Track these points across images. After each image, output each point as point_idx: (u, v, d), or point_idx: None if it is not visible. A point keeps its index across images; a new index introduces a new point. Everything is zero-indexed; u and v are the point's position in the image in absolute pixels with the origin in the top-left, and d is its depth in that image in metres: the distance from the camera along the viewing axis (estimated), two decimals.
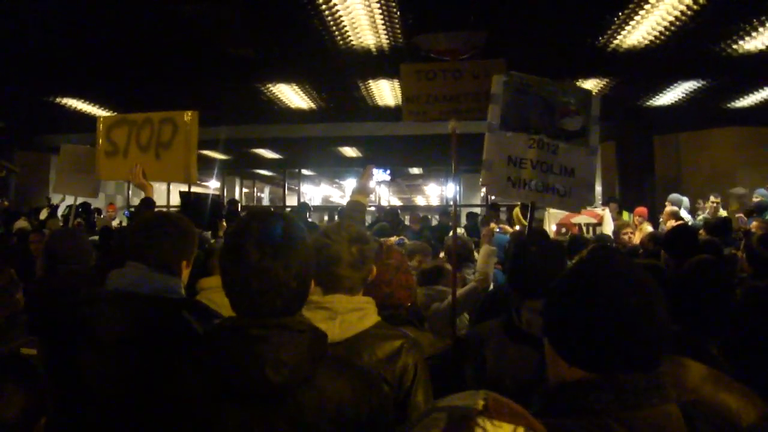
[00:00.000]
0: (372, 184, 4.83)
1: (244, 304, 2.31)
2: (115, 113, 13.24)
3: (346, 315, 3.19)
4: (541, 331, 2.09)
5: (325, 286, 3.26)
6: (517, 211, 12.64)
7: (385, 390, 2.48)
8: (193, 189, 20.14)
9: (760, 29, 10.85)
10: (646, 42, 11.40)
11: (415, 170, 33.13)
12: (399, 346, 3.18)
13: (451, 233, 10.43)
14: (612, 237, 11.06)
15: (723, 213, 13.85)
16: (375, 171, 4.99)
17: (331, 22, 10.30)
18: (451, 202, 23.84)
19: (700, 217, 13.73)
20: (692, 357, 2.87)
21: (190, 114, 6.15)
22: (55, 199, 16.91)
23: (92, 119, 7.08)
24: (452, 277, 5.79)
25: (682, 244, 6.21)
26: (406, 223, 16.97)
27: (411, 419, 3.08)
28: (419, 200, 44.14)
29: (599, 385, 1.83)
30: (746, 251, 6.29)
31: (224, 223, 10.56)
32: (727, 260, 7.07)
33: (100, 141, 6.39)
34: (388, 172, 25.45)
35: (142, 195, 5.86)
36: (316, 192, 39.38)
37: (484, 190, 27.45)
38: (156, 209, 5.54)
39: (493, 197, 21.97)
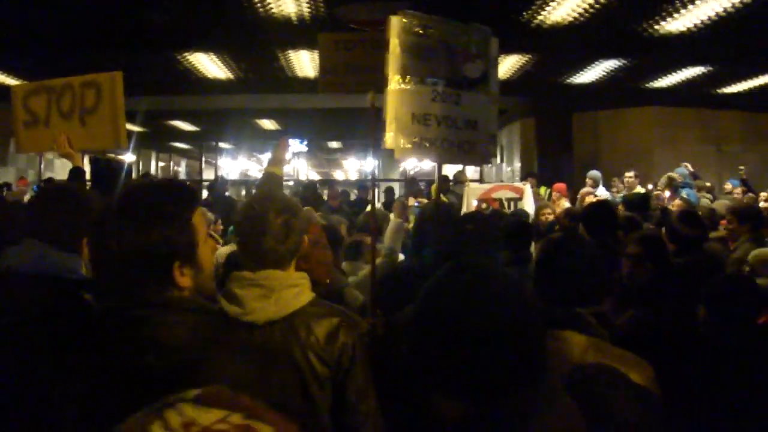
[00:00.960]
0: (288, 155, 4.65)
1: (117, 282, 2.13)
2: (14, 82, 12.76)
3: (282, 292, 3.02)
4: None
5: (253, 260, 3.09)
6: (434, 187, 12.61)
7: (289, 377, 2.29)
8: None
9: (682, 11, 10.96)
10: (570, 19, 11.42)
11: (335, 144, 32.99)
12: (337, 324, 3.07)
13: (369, 208, 10.36)
14: (531, 213, 11.10)
15: (640, 190, 14.03)
16: (291, 142, 4.82)
17: None
18: (370, 177, 23.81)
19: (621, 194, 13.88)
20: (571, 328, 2.95)
21: (113, 75, 5.86)
22: None
23: (5, 89, 6.71)
24: (372, 251, 5.67)
25: (600, 219, 6.21)
26: (325, 197, 16.77)
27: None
28: (338, 174, 44.07)
29: (482, 418, 1.65)
30: (666, 229, 6.31)
31: None
32: None
33: (17, 112, 6.02)
34: (305, 143, 25.32)
35: (67, 167, 5.58)
36: (234, 166, 38.92)
37: (403, 164, 27.50)
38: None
39: (412, 170, 22.01)
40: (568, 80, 16.77)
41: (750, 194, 13.74)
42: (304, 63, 15.17)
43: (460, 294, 1.68)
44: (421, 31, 5.15)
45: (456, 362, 1.63)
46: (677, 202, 11.50)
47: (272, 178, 4.41)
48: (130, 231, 2.06)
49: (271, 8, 10.92)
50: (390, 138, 5.03)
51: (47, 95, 5.90)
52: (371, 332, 4.04)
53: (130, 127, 22.99)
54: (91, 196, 3.45)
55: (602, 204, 7.99)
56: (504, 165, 23.28)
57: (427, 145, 5.16)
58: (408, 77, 5.06)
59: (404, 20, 5.07)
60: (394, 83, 5.04)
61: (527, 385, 1.66)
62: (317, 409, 3.02)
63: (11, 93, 6.08)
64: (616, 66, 15.28)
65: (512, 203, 12.24)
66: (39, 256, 3.09)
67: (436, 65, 5.20)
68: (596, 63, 15.08)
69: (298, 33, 12.27)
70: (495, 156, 6.43)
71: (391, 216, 6.19)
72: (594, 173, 14.28)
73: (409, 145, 5.10)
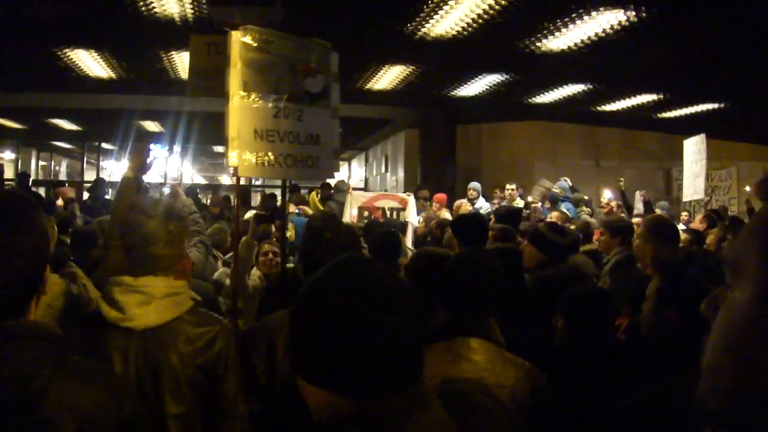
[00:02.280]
0: (150, 160, 4.57)
1: None
2: None
3: (161, 300, 3.06)
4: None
5: (138, 267, 3.10)
6: (313, 195, 12.59)
7: (137, 401, 2.23)
8: None
9: (563, 29, 11.25)
10: (453, 33, 11.59)
11: (220, 148, 32.59)
12: (216, 333, 3.15)
13: (246, 215, 10.30)
14: (414, 224, 11.21)
15: (520, 202, 14.30)
16: (153, 146, 4.76)
17: None
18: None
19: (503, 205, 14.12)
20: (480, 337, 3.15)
21: None
22: None
23: None
24: (234, 264, 5.68)
25: (471, 230, 6.32)
26: (207, 202, 16.53)
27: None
28: (224, 179, 43.53)
29: (355, 418, 1.62)
30: (536, 239, 6.43)
31: None
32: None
33: None
34: (167, 147, 25.52)
35: None
36: (117, 167, 38.09)
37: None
38: None
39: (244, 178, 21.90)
40: (452, 92, 16.97)
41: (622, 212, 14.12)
42: (188, 64, 14.88)
43: (343, 289, 1.67)
44: (262, 47, 5.20)
45: (337, 357, 1.63)
46: (555, 214, 11.78)
47: (129, 183, 4.30)
48: (7, 249, 1.89)
49: (154, 8, 10.74)
50: (233, 156, 5.05)
51: None
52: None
53: (9, 123, 22.35)
54: None
55: (473, 215, 8.16)
56: (389, 175, 23.45)
57: (271, 161, 5.20)
58: (250, 93, 5.10)
59: (246, 35, 5.15)
60: (236, 99, 5.07)
61: (406, 384, 1.65)
62: (191, 415, 3.07)
63: None
64: (499, 80, 15.56)
65: (395, 213, 12.30)
66: None
67: (278, 80, 5.27)
68: (480, 77, 15.32)
69: (180, 34, 12.04)
70: (338, 170, 6.52)
71: (244, 238, 6.20)
72: (475, 184, 14.52)
73: (253, 163, 5.12)
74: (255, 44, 5.17)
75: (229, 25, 5.45)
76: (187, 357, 3.05)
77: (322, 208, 10.55)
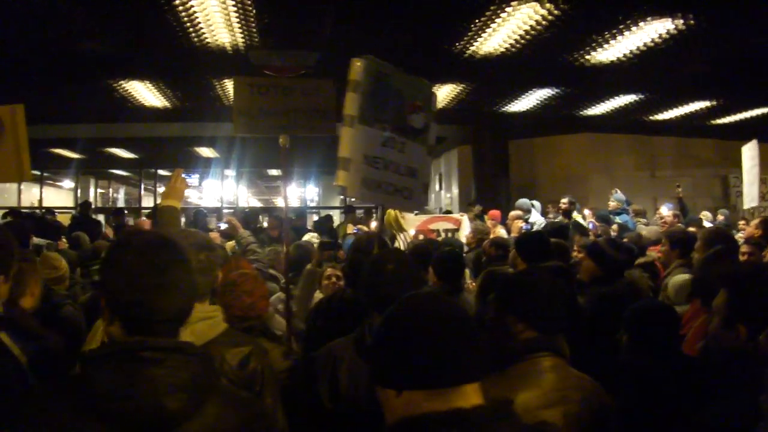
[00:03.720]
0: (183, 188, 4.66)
1: (131, 325, 2.14)
2: None
3: (196, 324, 3.18)
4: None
5: None
6: (392, 212, 12.58)
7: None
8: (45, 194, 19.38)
9: (611, 41, 11.21)
10: (502, 50, 11.61)
11: (275, 171, 32.86)
12: (249, 353, 3.29)
13: (305, 237, 10.37)
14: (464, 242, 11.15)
15: (577, 216, 14.19)
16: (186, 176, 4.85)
17: (185, 19, 10.02)
18: (310, 204, 23.78)
19: (550, 221, 14.00)
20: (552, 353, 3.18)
21: (13, 108, 5.81)
22: None
23: None
24: (286, 288, 5.76)
25: (534, 248, 6.32)
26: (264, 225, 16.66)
27: None
28: (279, 202, 43.81)
29: (441, 418, 1.94)
30: (595, 254, 6.39)
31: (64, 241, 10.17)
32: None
33: None
34: (193, 176, 26.61)
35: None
36: None
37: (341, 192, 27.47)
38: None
39: (351, 199, 22.00)
40: (503, 108, 16.99)
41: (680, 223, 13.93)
42: None
43: (418, 319, 2.09)
44: (380, 78, 5.35)
45: (416, 365, 2.01)
46: (614, 227, 11.71)
47: (171, 212, 4.40)
48: (184, 281, 2.23)
49: (206, 38, 10.91)
50: (342, 176, 5.18)
51: None
52: (292, 368, 4.16)
53: (69, 154, 22.80)
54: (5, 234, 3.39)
55: (536, 234, 8.13)
56: (443, 192, 23.42)
57: (374, 187, 5.33)
58: (364, 119, 5.22)
59: (367, 65, 5.28)
60: (351, 123, 5.21)
61: (471, 379, 2.03)
62: None
63: None
64: (549, 94, 15.54)
65: (450, 234, 12.23)
66: None
67: (388, 112, 5.41)
68: (530, 92, 15.32)
69: (232, 62, 12.24)
70: (427, 204, 6.61)
71: (308, 267, 6.28)
72: (522, 201, 14.38)
73: (359, 185, 5.22)
74: (373, 75, 5.33)
75: (268, 67, 5.56)
76: (223, 375, 3.14)
77: (402, 223, 10.58)
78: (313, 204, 25.41)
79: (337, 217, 20.50)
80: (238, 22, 10.13)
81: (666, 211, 13.56)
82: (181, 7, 9.57)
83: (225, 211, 26.02)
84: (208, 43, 11.20)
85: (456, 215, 13.34)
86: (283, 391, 3.49)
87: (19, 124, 5.77)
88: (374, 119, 5.32)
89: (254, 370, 3.26)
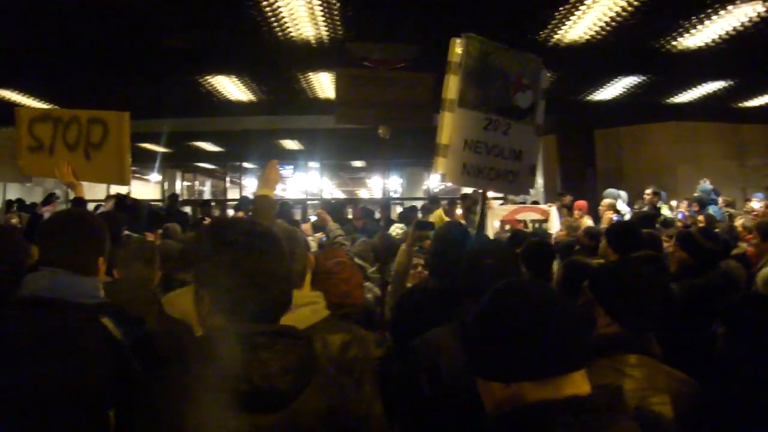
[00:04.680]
0: (280, 178, 4.77)
1: (240, 310, 2.22)
2: (43, 106, 12.90)
3: (299, 310, 3.25)
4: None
5: None
6: (440, 211, 12.55)
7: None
8: (133, 188, 19.87)
9: (699, 26, 10.95)
10: (587, 37, 11.45)
11: (359, 163, 33.03)
12: (350, 339, 3.37)
13: (392, 228, 10.39)
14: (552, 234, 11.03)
15: (664, 207, 13.96)
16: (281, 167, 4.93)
17: (270, 13, 10.13)
18: (393, 195, 23.81)
19: (637, 211, 13.78)
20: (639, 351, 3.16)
21: (120, 115, 5.96)
22: None
23: None
24: (382, 280, 5.77)
25: (625, 239, 6.22)
26: (349, 216, 16.79)
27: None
28: (363, 193, 44.04)
29: (557, 406, 1.92)
30: (687, 244, 6.26)
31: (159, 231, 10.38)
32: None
33: (21, 134, 6.16)
34: (288, 168, 26.71)
35: (93, 189, 5.68)
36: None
37: (426, 182, 27.42)
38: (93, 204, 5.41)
39: (436, 189, 21.98)
40: (588, 97, 16.75)
41: None
42: (325, 84, 15.26)
43: (519, 305, 2.05)
44: (481, 57, 5.21)
45: (520, 354, 1.98)
46: (700, 218, 11.48)
47: (266, 201, 4.51)
48: (280, 270, 2.31)
49: (290, 31, 11.01)
50: (441, 163, 5.11)
51: (53, 124, 6.02)
52: (386, 356, 4.20)
53: (155, 147, 23.27)
54: (99, 219, 3.52)
55: (627, 223, 7.99)
56: None
57: (476, 172, 5.24)
58: (465, 103, 5.13)
59: (467, 43, 5.13)
60: (452, 108, 5.12)
61: (574, 368, 1.99)
62: None
63: (16, 115, 6.19)
64: (636, 82, 15.27)
65: (537, 225, 12.14)
66: (55, 282, 3.14)
67: (491, 93, 5.29)
68: (616, 80, 15.07)
69: (317, 55, 12.36)
70: (533, 187, 6.50)
71: (402, 246, 6.27)
72: (610, 191, 14.19)
73: (460, 172, 5.15)
74: (475, 54, 5.21)
75: (368, 59, 5.56)
76: (324, 360, 3.17)
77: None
78: (397, 195, 25.40)
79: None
80: (322, 15, 10.20)
81: (756, 202, 13.24)
82: (265, 2, 9.68)
83: (309, 203, 26.23)
84: (292, 36, 11.30)
85: (543, 206, 13.21)
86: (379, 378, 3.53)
87: (124, 130, 5.93)
88: (476, 102, 5.21)
89: (354, 357, 3.32)
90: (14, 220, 12.40)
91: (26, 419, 2.90)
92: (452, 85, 5.14)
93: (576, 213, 13.18)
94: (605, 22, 10.64)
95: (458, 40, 5.18)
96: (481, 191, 6.14)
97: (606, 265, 4.46)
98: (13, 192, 11.24)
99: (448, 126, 5.13)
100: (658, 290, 3.38)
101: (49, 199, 16.61)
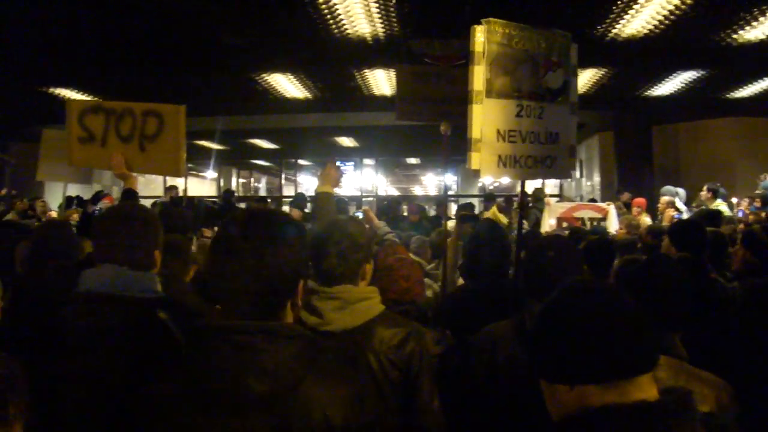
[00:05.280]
0: (339, 175, 4.82)
1: (229, 305, 2.20)
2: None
3: (356, 304, 3.32)
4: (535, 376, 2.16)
5: (331, 277, 3.38)
6: (494, 209, 12.46)
7: (381, 402, 2.40)
8: (189, 185, 20.09)
9: (761, 18, 10.74)
10: (645, 31, 11.31)
11: (413, 160, 33.05)
12: (407, 334, 3.34)
13: (449, 224, 10.37)
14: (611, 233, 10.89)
15: (720, 204, 13.73)
16: (342, 163, 4.95)
17: (326, 10, 10.17)
18: (449, 192, 23.76)
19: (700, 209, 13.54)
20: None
21: (177, 108, 6.01)
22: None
23: None
24: (444, 276, 5.74)
25: (689, 237, 6.11)
26: (404, 213, 16.82)
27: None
28: (417, 190, 44.05)
29: (625, 411, 1.87)
30: (750, 242, 6.15)
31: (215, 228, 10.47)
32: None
33: (72, 126, 6.21)
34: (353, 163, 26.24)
35: (149, 185, 5.74)
36: (313, 182, 39.18)
37: (482, 179, 27.30)
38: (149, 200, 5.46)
39: (490, 186, 21.91)
40: (646, 93, 16.55)
41: None
42: (381, 81, 15.31)
43: (584, 308, 2.01)
44: (505, 42, 5.06)
45: (586, 356, 1.94)
46: (763, 214, 11.30)
47: (327, 197, 4.56)
48: (273, 254, 2.16)
49: (346, 29, 11.05)
50: (475, 158, 4.96)
51: (106, 116, 6.05)
52: (446, 352, 4.18)
53: (211, 145, 23.52)
54: (153, 212, 3.56)
55: (691, 221, 7.85)
56: (584, 180, 23.05)
57: (512, 162, 5.09)
58: (493, 92, 5.00)
59: (488, 30, 4.98)
60: (479, 99, 4.95)
61: (641, 371, 1.93)
62: (390, 410, 3.24)
63: (66, 107, 6.26)
64: (695, 77, 15.03)
65: (595, 223, 11.98)
66: (113, 278, 3.18)
67: (520, 77, 5.09)
68: (674, 75, 14.86)
69: (373, 52, 12.39)
70: (574, 169, 6.38)
71: (449, 241, 6.25)
72: (667, 188, 13.98)
73: (495, 164, 5.04)
74: (498, 39, 5.02)
75: (429, 56, 5.53)
76: (382, 355, 3.26)
77: (504, 221, 10.38)
78: (452, 192, 25.33)
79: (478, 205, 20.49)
80: (378, 12, 10.22)
81: None
82: None
83: (364, 199, 26.29)
84: (348, 33, 11.34)
85: (602, 204, 13.06)
86: (436, 376, 3.51)
87: (180, 123, 5.96)
88: (504, 89, 5.01)
89: (412, 352, 3.29)
90: (75, 216, 12.62)
91: (85, 414, 2.96)
92: (477, 76, 4.95)
93: (635, 210, 13.01)
94: (664, 15, 10.49)
95: (478, 28, 5.02)
96: (535, 188, 6.04)
97: (639, 263, 4.40)
98: (73, 189, 11.42)
99: (478, 119, 4.94)
100: (685, 291, 3.30)
101: (98, 196, 16.88)
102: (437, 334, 4.38)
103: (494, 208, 11.71)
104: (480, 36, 4.96)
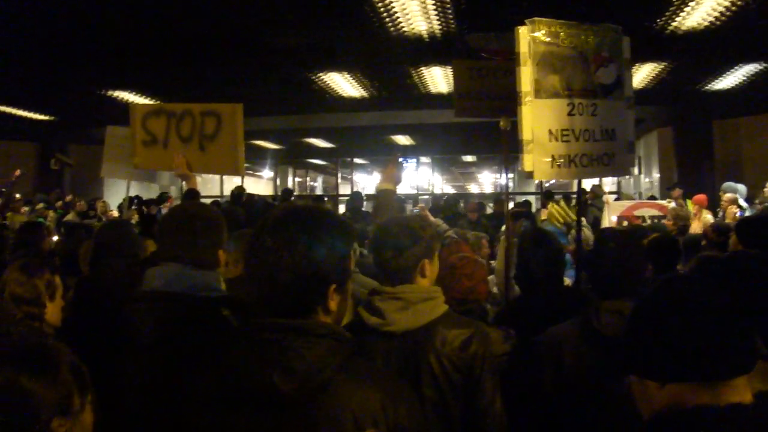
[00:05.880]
0: (400, 173, 4.80)
1: (264, 299, 2.19)
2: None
3: (418, 304, 3.24)
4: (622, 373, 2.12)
5: (394, 276, 3.32)
6: (555, 206, 12.32)
7: (416, 404, 2.34)
8: (246, 184, 20.26)
9: None
10: (706, 24, 11.12)
11: (469, 158, 32.96)
12: (470, 336, 3.27)
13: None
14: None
15: None
16: (403, 161, 4.93)
17: (382, 9, 10.18)
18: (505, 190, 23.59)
19: (765, 206, 13.29)
20: None
21: (234, 107, 6.07)
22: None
23: None
24: (506, 274, 5.69)
25: (757, 234, 5.98)
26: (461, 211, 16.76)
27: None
28: (473, 188, 43.96)
29: (720, 414, 1.84)
30: None
31: None
32: None
33: (136, 130, 6.34)
34: (415, 160, 26.07)
35: (206, 186, 5.79)
36: (369, 181, 39.30)
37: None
38: (207, 200, 5.49)
39: (547, 184, 21.75)
40: (706, 87, 16.30)
41: None
42: (437, 79, 15.29)
43: (681, 304, 1.97)
44: (551, 40, 4.98)
45: (685, 353, 1.90)
46: None
47: (390, 194, 4.56)
48: (301, 247, 2.13)
49: (402, 27, 11.04)
50: (528, 160, 4.87)
51: (167, 118, 6.16)
52: (510, 352, 4.14)
53: (267, 144, 23.69)
54: (219, 212, 3.59)
55: (759, 218, 7.69)
56: (642, 176, 22.78)
57: (567, 162, 4.99)
58: (542, 92, 4.90)
59: (534, 29, 4.91)
60: (528, 100, 4.87)
61: (739, 373, 1.91)
62: (450, 413, 3.21)
63: (130, 112, 6.35)
64: (756, 70, 14.76)
65: (656, 221, 11.85)
66: (177, 276, 3.23)
67: (570, 75, 5.00)
68: (736, 68, 14.60)
69: (430, 50, 12.38)
70: (634, 165, 6.27)
71: (502, 239, 6.20)
72: (728, 185, 13.72)
73: (548, 165, 4.96)
74: (544, 38, 4.93)
75: (486, 50, 5.48)
76: (444, 357, 3.19)
77: (573, 217, 10.22)
78: (509, 189, 25.27)
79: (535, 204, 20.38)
80: (434, 9, 10.19)
81: None
82: None
83: (421, 197, 26.28)
84: (405, 31, 11.33)
85: (662, 201, 12.93)
86: (502, 375, 3.44)
87: (238, 122, 6.03)
88: (554, 89, 4.90)
89: (475, 353, 3.23)
90: (135, 216, 12.82)
91: (150, 412, 3.00)
92: (525, 77, 4.84)
93: (694, 208, 12.79)
94: (725, 6, 10.30)
95: (522, 28, 4.95)
96: (594, 185, 5.96)
97: (711, 261, 4.30)
98: (132, 189, 11.59)
99: (528, 120, 4.84)
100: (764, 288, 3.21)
101: (162, 198, 17.16)
102: (504, 332, 4.34)
103: (551, 206, 11.62)
104: (525, 36, 4.89)
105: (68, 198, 17.95)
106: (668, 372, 1.91)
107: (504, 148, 6.05)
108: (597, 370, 3.39)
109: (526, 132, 4.86)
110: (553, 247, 4.80)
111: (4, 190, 15.58)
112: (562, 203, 11.10)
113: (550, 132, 4.93)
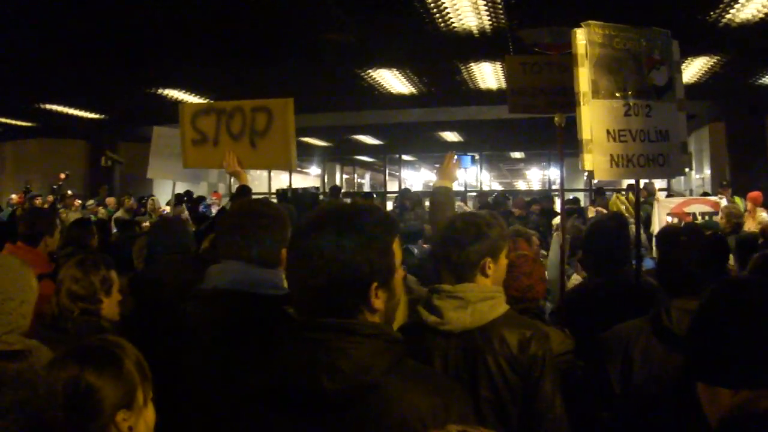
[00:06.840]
0: (458, 170, 4.79)
1: (303, 302, 2.16)
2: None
3: (477, 304, 3.21)
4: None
5: (454, 275, 3.28)
6: (615, 198, 12.20)
7: (469, 410, 2.29)
8: (293, 181, 20.33)
9: None
10: (761, 16, 10.94)
11: (517, 154, 32.83)
12: (529, 337, 3.20)
13: (555, 220, 10.28)
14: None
15: None
16: (459, 158, 4.92)
17: (432, 4, 10.17)
18: (554, 186, 23.49)
19: None
20: None
21: (285, 102, 6.08)
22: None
23: None
24: (561, 270, 5.67)
25: None
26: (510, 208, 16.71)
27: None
28: (520, 184, 43.75)
29: None
30: None
31: None
32: None
33: (185, 129, 6.34)
34: (474, 156, 25.82)
35: (254, 182, 5.82)
36: (417, 177, 39.31)
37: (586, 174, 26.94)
38: (253, 197, 5.51)
39: (595, 181, 21.59)
40: (760, 81, 16.06)
41: None
42: (487, 75, 15.24)
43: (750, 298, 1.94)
44: (606, 42, 5.04)
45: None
46: None
47: (446, 191, 4.54)
48: (331, 248, 2.08)
49: (452, 22, 11.02)
50: (587, 159, 4.93)
51: (217, 116, 6.15)
52: (570, 351, 4.11)
53: (316, 141, 23.79)
54: (282, 209, 3.59)
55: None
56: (693, 173, 22.53)
57: (625, 162, 5.04)
58: (600, 92, 4.96)
59: (590, 32, 4.96)
60: (587, 100, 4.94)
61: None
62: (508, 414, 3.16)
63: (179, 111, 6.38)
64: None
65: (706, 218, 11.73)
66: (239, 274, 3.22)
67: (624, 77, 5.07)
68: None
69: (479, 46, 12.33)
70: (688, 167, 6.24)
71: (554, 235, 6.17)
72: None
73: (608, 165, 5.00)
74: (599, 40, 5.01)
75: (538, 45, 5.46)
76: (502, 358, 3.14)
77: (632, 212, 10.13)
78: (556, 186, 25.00)
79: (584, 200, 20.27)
80: (484, 5, 10.16)
81: None
82: None
83: (468, 194, 26.21)
84: (455, 27, 11.31)
85: (713, 198, 12.76)
86: (562, 375, 3.41)
87: (289, 116, 6.02)
88: (610, 90, 5.02)
89: (534, 355, 3.17)
90: (185, 213, 12.95)
91: (212, 411, 2.98)
92: (582, 78, 4.93)
93: (748, 205, 12.60)
94: None
95: (578, 30, 5.02)
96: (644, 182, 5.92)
97: None
98: (181, 186, 11.70)
99: (587, 120, 4.92)
100: None
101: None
102: (564, 332, 4.31)
103: (616, 196, 11.49)
104: (581, 38, 4.94)
105: (130, 201, 18.10)
106: (743, 378, 1.86)
107: (558, 144, 6.02)
108: (667, 369, 3.35)
109: (585, 132, 4.91)
110: (626, 231, 4.82)
111: (54, 187, 15.85)
112: (630, 195, 10.99)
113: (608, 132, 4.98)
